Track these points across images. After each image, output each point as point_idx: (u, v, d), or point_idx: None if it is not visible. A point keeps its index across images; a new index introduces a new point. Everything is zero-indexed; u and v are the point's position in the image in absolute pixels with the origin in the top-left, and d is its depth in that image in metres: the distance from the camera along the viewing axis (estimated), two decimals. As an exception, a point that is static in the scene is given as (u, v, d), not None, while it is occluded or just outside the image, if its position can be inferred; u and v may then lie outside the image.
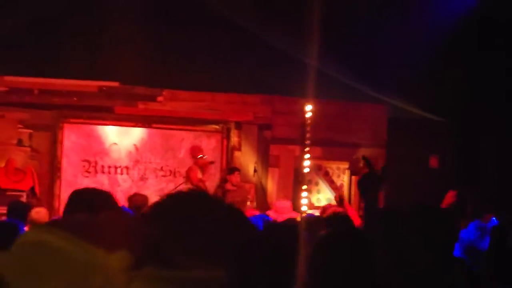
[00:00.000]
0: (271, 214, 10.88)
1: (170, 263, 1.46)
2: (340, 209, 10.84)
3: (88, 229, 1.49)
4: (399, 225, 3.57)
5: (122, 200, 11.60)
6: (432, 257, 2.92)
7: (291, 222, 5.83)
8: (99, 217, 1.61)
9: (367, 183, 11.68)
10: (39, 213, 9.21)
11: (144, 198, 9.80)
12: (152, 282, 1.42)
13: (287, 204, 11.38)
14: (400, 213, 4.07)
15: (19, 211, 8.18)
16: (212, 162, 11.48)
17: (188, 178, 11.17)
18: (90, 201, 3.14)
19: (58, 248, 1.44)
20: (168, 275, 1.45)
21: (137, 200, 9.41)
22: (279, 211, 11.04)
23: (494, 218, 8.06)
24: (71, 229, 1.46)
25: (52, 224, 1.47)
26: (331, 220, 7.36)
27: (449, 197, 10.43)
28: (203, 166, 11.17)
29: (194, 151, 11.45)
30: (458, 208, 10.00)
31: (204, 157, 11.22)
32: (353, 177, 12.56)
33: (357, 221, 9.33)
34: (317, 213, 11.33)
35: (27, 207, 8.72)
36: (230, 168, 11.59)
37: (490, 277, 4.48)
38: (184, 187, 10.90)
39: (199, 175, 11.09)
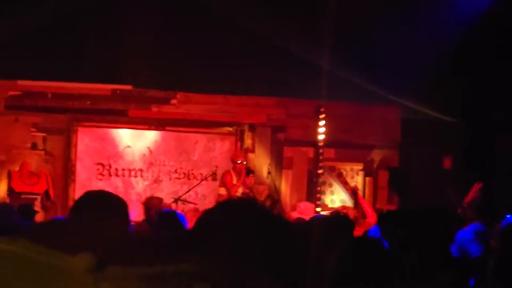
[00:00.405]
0: (294, 215, 10.90)
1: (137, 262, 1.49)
2: (354, 211, 10.90)
3: (50, 235, 1.50)
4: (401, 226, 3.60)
5: (136, 203, 11.66)
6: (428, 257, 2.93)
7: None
8: (61, 222, 1.63)
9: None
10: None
11: (160, 200, 9.82)
12: (119, 280, 1.43)
13: (310, 205, 11.43)
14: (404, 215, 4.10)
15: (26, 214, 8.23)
16: (252, 172, 11.43)
17: (222, 182, 11.16)
18: (96, 205, 3.12)
19: (22, 256, 1.44)
20: (135, 272, 1.45)
21: (153, 203, 9.43)
22: (303, 213, 11.06)
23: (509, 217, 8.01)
24: (33, 237, 1.47)
25: (15, 233, 1.49)
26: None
27: (474, 191, 10.49)
28: (240, 172, 11.11)
29: (235, 156, 11.40)
30: (482, 202, 10.03)
31: (243, 163, 11.15)
32: (367, 178, 12.57)
33: (372, 218, 9.35)
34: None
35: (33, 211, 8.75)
36: (246, 171, 11.57)
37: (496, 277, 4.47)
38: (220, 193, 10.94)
39: (234, 180, 11.04)
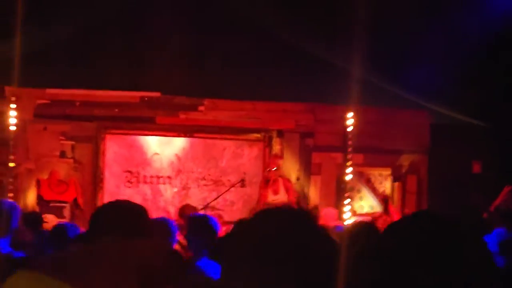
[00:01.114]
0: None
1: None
2: (383, 217, 10.85)
3: (65, 268, 1.46)
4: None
5: (165, 210, 11.66)
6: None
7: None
8: (77, 252, 1.58)
9: None
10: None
11: (195, 209, 9.82)
12: None
13: (333, 212, 11.37)
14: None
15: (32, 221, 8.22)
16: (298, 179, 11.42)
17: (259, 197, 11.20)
18: (118, 217, 3.02)
19: None
20: None
21: (188, 211, 9.43)
22: (325, 219, 11.01)
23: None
24: (47, 270, 1.43)
25: (30, 266, 1.44)
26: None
27: (505, 193, 10.39)
28: (274, 180, 11.08)
29: (268, 163, 11.37)
30: (509, 206, 9.92)
31: (273, 170, 11.10)
32: (396, 184, 12.50)
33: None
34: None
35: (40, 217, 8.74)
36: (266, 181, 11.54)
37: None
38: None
39: (270, 194, 11.01)
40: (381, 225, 9.97)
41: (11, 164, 11.63)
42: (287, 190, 11.11)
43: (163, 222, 5.42)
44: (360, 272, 2.42)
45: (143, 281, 1.50)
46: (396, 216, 10.61)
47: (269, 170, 11.11)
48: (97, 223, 3.08)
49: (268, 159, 11.67)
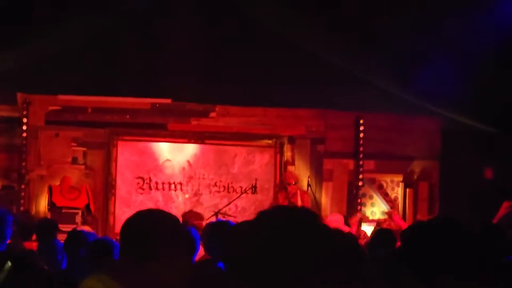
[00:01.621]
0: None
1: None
2: (393, 224, 10.83)
3: (135, 280, 1.47)
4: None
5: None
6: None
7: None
8: (151, 266, 1.58)
9: None
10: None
11: (199, 215, 9.78)
12: None
13: (339, 217, 11.35)
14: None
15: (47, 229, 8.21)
16: (309, 185, 11.45)
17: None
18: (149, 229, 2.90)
19: None
20: None
21: (190, 216, 9.41)
22: (332, 225, 10.99)
23: None
24: (122, 279, 1.44)
25: (106, 271, 1.45)
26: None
27: (504, 208, 10.35)
28: (293, 195, 11.12)
29: (287, 177, 11.37)
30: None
31: (293, 184, 11.12)
32: (408, 190, 12.49)
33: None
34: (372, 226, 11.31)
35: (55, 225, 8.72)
36: (284, 187, 11.55)
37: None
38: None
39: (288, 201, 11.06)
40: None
41: (23, 171, 11.67)
42: (304, 203, 11.14)
43: (224, 224, 5.56)
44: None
45: None
46: (398, 221, 10.60)
47: (289, 184, 11.10)
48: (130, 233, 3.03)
49: (286, 174, 11.60)
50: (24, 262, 4.31)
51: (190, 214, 9.80)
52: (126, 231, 2.96)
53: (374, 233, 9.34)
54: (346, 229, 11.19)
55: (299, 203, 11.14)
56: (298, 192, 11.23)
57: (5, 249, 4.94)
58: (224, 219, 9.42)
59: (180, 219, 9.16)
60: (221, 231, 5.72)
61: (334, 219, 11.20)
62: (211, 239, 5.79)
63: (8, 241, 5.14)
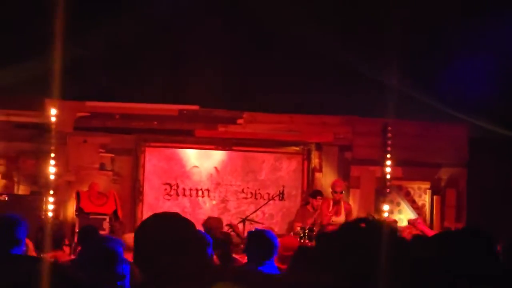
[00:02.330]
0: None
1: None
2: (416, 231, 10.79)
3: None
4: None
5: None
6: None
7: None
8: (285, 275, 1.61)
9: None
10: (131, 238, 9.27)
11: (219, 221, 9.78)
12: None
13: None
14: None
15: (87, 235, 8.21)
16: (320, 194, 11.47)
17: (306, 207, 11.24)
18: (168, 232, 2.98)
19: None
20: None
21: (210, 223, 9.42)
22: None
23: None
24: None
25: (237, 279, 1.45)
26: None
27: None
28: (338, 202, 11.15)
29: (336, 185, 11.40)
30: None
31: (340, 193, 11.16)
32: (435, 197, 12.45)
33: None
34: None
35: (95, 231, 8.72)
36: (314, 192, 11.54)
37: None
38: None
39: (330, 208, 11.08)
40: (406, 236, 9.94)
41: (51, 177, 11.71)
42: (348, 213, 11.15)
43: (262, 233, 5.61)
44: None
45: None
46: (423, 229, 10.55)
47: (336, 193, 11.13)
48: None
49: (334, 182, 11.60)
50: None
51: (209, 221, 9.78)
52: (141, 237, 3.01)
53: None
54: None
55: (343, 213, 11.16)
56: (342, 202, 11.27)
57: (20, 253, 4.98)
58: (263, 227, 9.40)
59: (202, 226, 9.18)
60: (260, 239, 5.79)
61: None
62: (252, 246, 5.87)
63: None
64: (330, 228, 10.58)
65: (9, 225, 4.93)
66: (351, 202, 12.25)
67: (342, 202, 11.27)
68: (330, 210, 11.09)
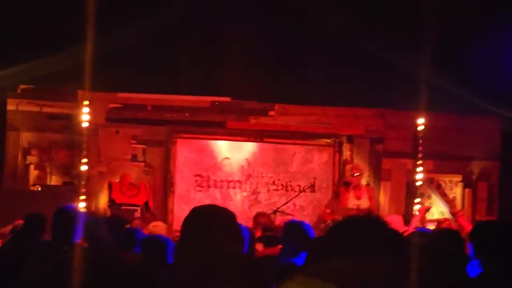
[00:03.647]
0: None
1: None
2: (454, 224, 10.76)
3: (351, 279, 1.46)
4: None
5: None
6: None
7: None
8: (355, 263, 1.59)
9: None
10: (157, 226, 9.34)
11: (269, 217, 9.77)
12: None
13: (398, 218, 11.29)
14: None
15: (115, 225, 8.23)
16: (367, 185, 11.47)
17: (338, 198, 11.22)
18: (208, 223, 3.05)
19: None
20: None
21: (261, 220, 9.38)
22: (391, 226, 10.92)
23: None
24: (334, 279, 1.43)
25: (311, 273, 1.44)
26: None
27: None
28: (356, 186, 11.11)
29: (352, 168, 11.39)
30: None
31: (357, 175, 11.12)
32: (466, 190, 12.41)
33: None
34: (432, 226, 11.22)
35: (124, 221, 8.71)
36: (345, 183, 11.54)
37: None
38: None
39: (352, 198, 11.03)
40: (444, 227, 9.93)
41: (83, 167, 11.77)
42: (370, 198, 11.12)
43: (298, 224, 5.58)
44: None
45: None
46: (463, 223, 10.50)
47: (352, 176, 11.11)
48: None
49: (352, 165, 11.61)
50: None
51: (260, 216, 9.79)
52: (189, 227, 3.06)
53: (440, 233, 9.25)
54: (404, 228, 11.16)
55: (365, 197, 11.10)
56: (364, 187, 11.21)
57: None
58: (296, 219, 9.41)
59: (252, 221, 9.19)
60: (297, 232, 5.80)
61: (393, 220, 11.15)
62: (287, 239, 5.89)
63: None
64: (351, 213, 10.54)
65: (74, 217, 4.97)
66: (381, 195, 12.24)
67: (363, 187, 11.22)
68: (351, 201, 11.03)
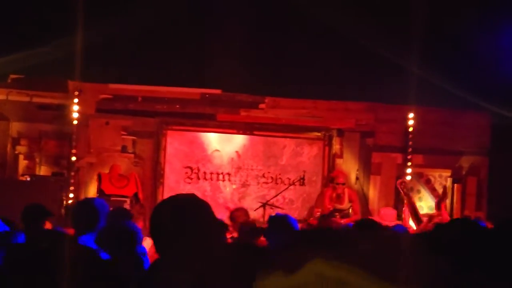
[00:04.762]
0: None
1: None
2: (444, 218, 10.79)
3: (372, 262, 1.44)
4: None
5: (223, 207, 11.68)
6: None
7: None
8: (376, 246, 1.56)
9: None
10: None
11: (245, 212, 9.70)
12: None
13: (393, 212, 11.35)
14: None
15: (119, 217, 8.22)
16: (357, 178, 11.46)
17: (321, 201, 11.25)
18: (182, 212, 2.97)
19: (345, 283, 1.37)
20: None
21: (237, 215, 9.31)
22: (384, 218, 11.00)
23: None
24: (354, 261, 1.41)
25: (333, 256, 1.42)
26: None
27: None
28: (339, 196, 11.12)
29: (336, 176, 11.34)
30: None
31: (341, 184, 11.11)
32: (456, 185, 12.43)
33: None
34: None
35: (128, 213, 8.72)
36: (330, 180, 11.56)
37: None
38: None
39: (333, 200, 11.05)
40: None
41: (73, 158, 11.76)
42: (353, 201, 11.14)
43: (283, 218, 5.56)
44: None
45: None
46: (444, 213, 10.58)
47: (338, 184, 11.06)
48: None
49: (336, 173, 11.55)
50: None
51: (237, 212, 9.74)
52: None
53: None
54: (396, 222, 11.20)
55: (346, 200, 11.14)
56: (346, 190, 11.23)
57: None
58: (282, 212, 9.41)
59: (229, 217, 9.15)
60: (282, 226, 5.78)
61: (387, 214, 11.21)
62: (271, 233, 5.88)
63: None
64: (333, 218, 10.55)
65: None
66: (371, 189, 12.25)
67: (346, 191, 11.23)
68: (331, 201, 11.05)
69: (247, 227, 7.52)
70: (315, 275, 1.48)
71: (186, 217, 2.93)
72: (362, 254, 1.55)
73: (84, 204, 5.20)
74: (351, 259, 1.49)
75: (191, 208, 2.97)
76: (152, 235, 2.98)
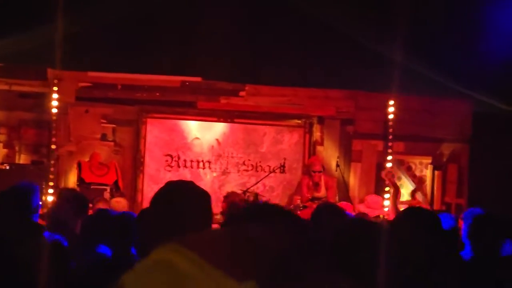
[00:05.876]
0: (361, 208, 10.85)
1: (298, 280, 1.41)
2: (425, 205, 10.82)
3: (216, 252, 1.42)
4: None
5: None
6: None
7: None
8: (223, 235, 1.54)
9: None
10: (119, 202, 9.32)
11: (240, 196, 9.75)
12: None
13: (379, 199, 11.36)
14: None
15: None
16: (337, 166, 11.48)
17: (299, 189, 11.27)
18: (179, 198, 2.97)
19: (185, 273, 1.35)
20: None
21: (232, 199, 9.37)
22: (371, 206, 11.02)
23: None
24: (199, 250, 1.39)
25: (180, 242, 1.40)
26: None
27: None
28: (317, 184, 11.12)
29: (313, 164, 11.35)
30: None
31: (318, 172, 11.11)
32: (436, 172, 12.42)
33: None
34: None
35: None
36: (309, 164, 11.55)
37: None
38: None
39: (310, 188, 11.06)
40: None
41: (53, 146, 11.72)
42: (328, 188, 11.15)
43: None
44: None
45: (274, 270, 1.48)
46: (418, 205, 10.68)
47: (314, 172, 11.08)
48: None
49: (313, 160, 11.56)
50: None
51: (231, 196, 9.78)
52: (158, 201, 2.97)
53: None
54: (382, 212, 11.22)
55: (323, 187, 11.15)
56: (323, 177, 11.23)
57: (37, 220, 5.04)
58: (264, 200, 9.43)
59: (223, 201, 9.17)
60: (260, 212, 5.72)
61: (373, 201, 11.22)
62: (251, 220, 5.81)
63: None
64: (310, 205, 10.56)
65: (26, 193, 4.98)
66: (351, 176, 12.24)
67: (323, 178, 11.24)
68: (308, 189, 11.08)
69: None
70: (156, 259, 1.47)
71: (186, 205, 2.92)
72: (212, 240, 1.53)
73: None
74: (197, 245, 1.47)
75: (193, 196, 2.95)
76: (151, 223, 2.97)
